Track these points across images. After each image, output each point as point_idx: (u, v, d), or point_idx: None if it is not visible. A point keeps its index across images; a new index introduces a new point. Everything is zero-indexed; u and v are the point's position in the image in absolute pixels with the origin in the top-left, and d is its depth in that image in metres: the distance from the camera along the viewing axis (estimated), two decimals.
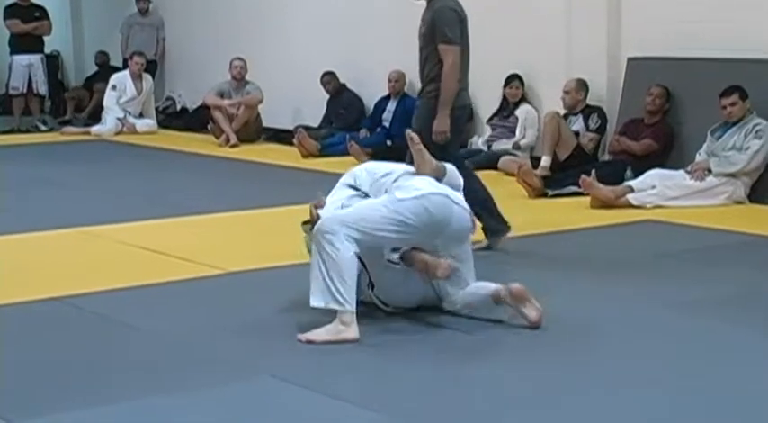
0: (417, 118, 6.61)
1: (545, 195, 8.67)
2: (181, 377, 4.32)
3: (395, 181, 5.08)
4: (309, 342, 4.71)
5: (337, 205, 5.13)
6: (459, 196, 5.13)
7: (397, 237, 4.94)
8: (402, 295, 5.12)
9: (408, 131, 5.39)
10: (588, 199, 8.29)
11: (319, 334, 4.76)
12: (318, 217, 5.00)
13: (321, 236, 4.82)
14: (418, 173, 5.15)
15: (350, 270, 4.79)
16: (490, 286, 5.06)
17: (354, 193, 5.19)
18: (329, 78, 12.10)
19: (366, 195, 5.16)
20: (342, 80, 12.11)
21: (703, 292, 5.66)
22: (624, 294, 5.62)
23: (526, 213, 7.95)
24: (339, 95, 12.08)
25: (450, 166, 5.29)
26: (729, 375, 4.32)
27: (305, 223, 5.34)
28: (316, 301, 4.82)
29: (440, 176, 5.19)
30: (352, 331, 4.76)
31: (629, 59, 9.68)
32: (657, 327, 5.03)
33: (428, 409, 3.95)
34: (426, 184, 5.05)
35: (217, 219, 7.87)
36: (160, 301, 5.55)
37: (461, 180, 5.31)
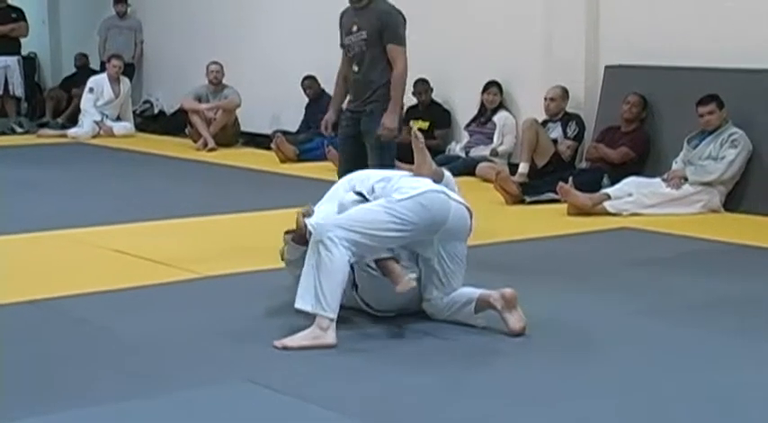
0: (371, 129, 6.63)
1: (522, 202, 8.71)
2: (157, 381, 4.32)
3: (393, 184, 5.13)
4: (285, 348, 4.71)
5: (334, 210, 5.15)
6: (456, 195, 5.17)
7: (397, 235, 4.96)
8: (387, 298, 5.14)
9: (414, 128, 5.46)
10: (565, 206, 8.33)
11: (295, 339, 4.76)
12: (306, 226, 5.01)
13: (319, 239, 4.83)
14: (417, 173, 5.22)
15: (341, 278, 4.81)
16: (476, 291, 5.08)
17: (357, 198, 5.20)
18: (310, 82, 12.11)
19: (367, 200, 5.18)
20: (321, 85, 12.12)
21: (679, 299, 5.70)
22: (600, 301, 5.65)
23: (503, 220, 7.99)
24: (318, 100, 12.07)
25: (447, 173, 5.38)
26: (708, 381, 4.35)
27: (287, 233, 5.35)
28: (302, 304, 4.82)
29: (437, 180, 5.24)
30: (330, 337, 4.77)
31: (607, 67, 9.74)
32: (634, 334, 5.06)
33: (405, 414, 3.97)
34: (423, 184, 5.10)
35: (194, 223, 7.87)
36: (137, 304, 5.55)
37: (456, 188, 5.36)
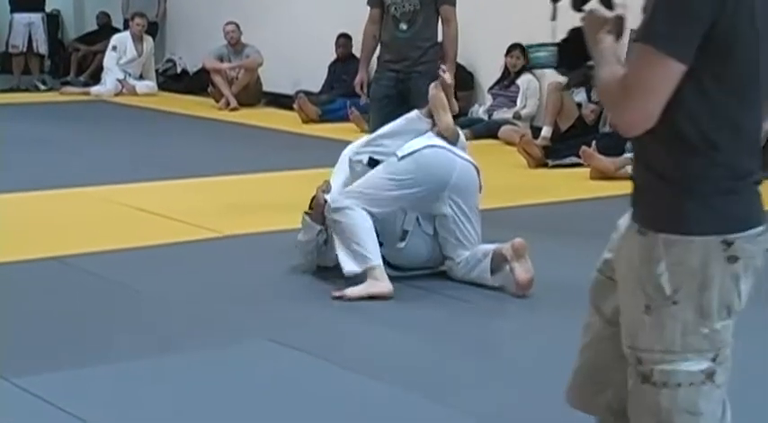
0: (423, 90, 6.60)
1: (545, 165, 8.66)
2: (177, 339, 4.33)
3: (395, 141, 5.16)
4: (343, 297, 4.78)
5: (342, 181, 5.23)
6: (462, 152, 5.16)
7: (402, 194, 5.03)
8: (408, 256, 5.16)
9: (442, 67, 5.43)
10: (588, 170, 8.28)
11: (354, 290, 4.84)
12: (325, 201, 5.07)
13: (333, 213, 4.97)
14: (436, 122, 5.17)
15: (366, 228, 4.92)
16: (491, 246, 5.09)
17: (367, 167, 5.20)
18: (345, 41, 12.00)
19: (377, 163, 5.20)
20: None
21: None
22: None
23: (525, 183, 7.96)
24: (346, 61, 12.01)
25: (461, 133, 5.35)
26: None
27: (307, 213, 5.34)
28: (350, 268, 4.89)
29: (451, 138, 5.21)
30: (385, 285, 4.85)
31: (632, 31, 9.62)
32: None
33: (428, 377, 3.97)
34: (423, 141, 5.10)
35: (215, 182, 7.86)
36: (158, 262, 5.56)
37: (466, 150, 5.34)
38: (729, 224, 2.15)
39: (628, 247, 2.26)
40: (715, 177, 2.15)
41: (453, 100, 5.38)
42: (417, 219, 5.14)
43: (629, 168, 8.17)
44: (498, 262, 5.04)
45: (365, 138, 5.47)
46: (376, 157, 5.18)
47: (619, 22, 2.18)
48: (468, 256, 5.10)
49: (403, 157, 5.05)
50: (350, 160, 5.31)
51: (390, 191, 5.01)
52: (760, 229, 2.18)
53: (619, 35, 2.19)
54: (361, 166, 5.21)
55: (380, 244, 5.13)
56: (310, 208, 5.31)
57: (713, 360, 2.20)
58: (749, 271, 2.19)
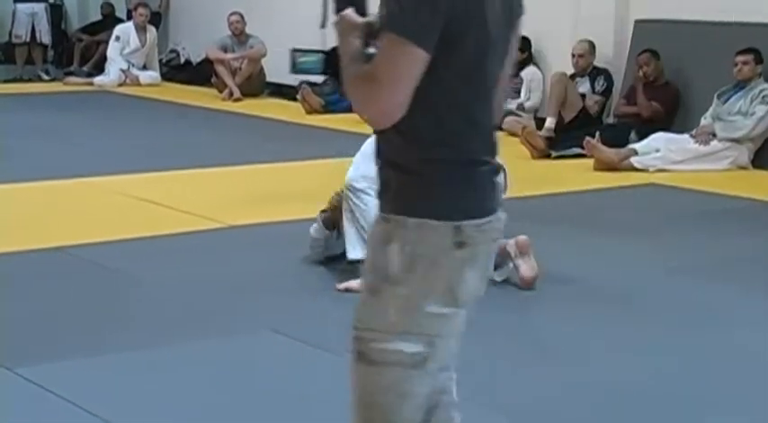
0: None
1: (548, 156, 8.65)
2: (181, 329, 4.32)
3: None
4: (348, 290, 4.76)
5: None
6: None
7: None
8: None
9: None
10: (592, 161, 8.27)
11: (358, 282, 4.78)
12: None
13: (349, 192, 4.91)
14: None
15: None
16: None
17: None
18: None
19: None
20: None
21: (705, 257, 5.66)
22: (625, 257, 5.62)
23: (529, 174, 7.94)
24: None
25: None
26: (735, 338, 4.33)
27: (322, 212, 5.33)
28: (354, 254, 4.87)
29: None
30: None
31: (637, 21, 9.62)
32: (660, 291, 5.04)
33: None
34: None
35: (219, 173, 7.85)
36: (162, 253, 5.55)
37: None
38: (460, 211, 2.21)
39: (370, 234, 2.34)
40: (448, 165, 2.22)
41: None
42: None
43: (632, 160, 8.19)
44: (501, 257, 5.02)
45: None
46: None
47: (369, 28, 2.22)
48: None
49: None
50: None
51: None
52: (489, 217, 2.25)
53: (369, 40, 2.24)
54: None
55: None
56: (326, 209, 5.29)
57: (428, 345, 2.23)
58: (477, 259, 2.25)
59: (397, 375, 2.24)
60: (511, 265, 4.99)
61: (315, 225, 5.28)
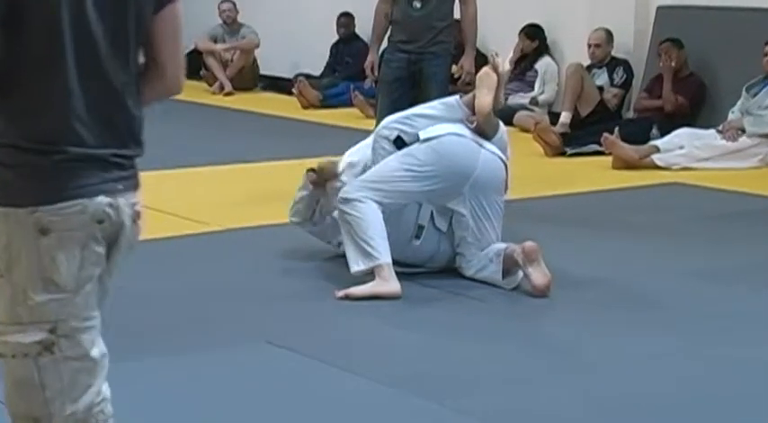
0: (436, 72, 6.60)
1: (563, 154, 8.66)
2: (167, 342, 4.33)
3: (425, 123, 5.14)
4: (347, 297, 4.80)
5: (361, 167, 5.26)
6: (491, 145, 5.13)
7: (420, 188, 5.02)
8: (419, 254, 5.19)
9: (492, 53, 5.38)
10: (610, 159, 8.28)
11: (359, 289, 4.86)
12: (336, 176, 5.18)
13: (342, 205, 4.97)
14: (476, 110, 5.10)
15: (377, 224, 4.92)
16: (503, 247, 5.08)
17: (391, 148, 5.17)
18: (347, 21, 12.00)
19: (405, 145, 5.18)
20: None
21: (733, 261, 5.68)
22: (646, 262, 5.63)
23: (543, 173, 7.96)
24: (349, 42, 12.00)
25: (503, 127, 5.27)
26: (762, 347, 4.34)
27: (310, 170, 5.41)
28: (356, 267, 4.92)
29: (487, 128, 5.13)
30: (393, 285, 4.85)
31: (660, 8, 9.64)
32: (686, 296, 5.06)
33: (439, 381, 3.97)
34: (450, 127, 5.07)
35: (209, 172, 7.87)
36: (146, 259, 5.49)
37: (507, 145, 5.28)
38: (35, 197, 2.33)
39: None
40: (21, 151, 2.32)
41: (501, 93, 5.31)
42: (432, 213, 5.14)
43: (654, 157, 8.20)
44: (510, 265, 5.04)
45: (399, 114, 5.34)
46: (404, 136, 5.13)
47: None
48: (481, 255, 5.11)
49: (425, 141, 5.02)
50: (376, 136, 5.24)
51: (405, 182, 5.00)
52: (73, 202, 2.36)
53: None
54: (388, 144, 5.15)
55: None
56: (313, 169, 5.38)
57: (51, 332, 2.38)
58: (68, 243, 2.37)
59: (25, 366, 2.38)
60: (520, 272, 5.01)
61: (300, 186, 5.41)
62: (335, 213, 5.21)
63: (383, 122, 5.33)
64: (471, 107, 5.14)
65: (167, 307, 4.77)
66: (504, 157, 5.16)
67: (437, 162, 5.00)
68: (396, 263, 5.03)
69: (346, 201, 4.98)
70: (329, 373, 4.02)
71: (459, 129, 5.11)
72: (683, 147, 8.27)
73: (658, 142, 8.37)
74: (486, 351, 4.31)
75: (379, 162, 5.13)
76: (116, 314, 4.63)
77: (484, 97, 5.08)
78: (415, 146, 5.05)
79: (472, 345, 4.38)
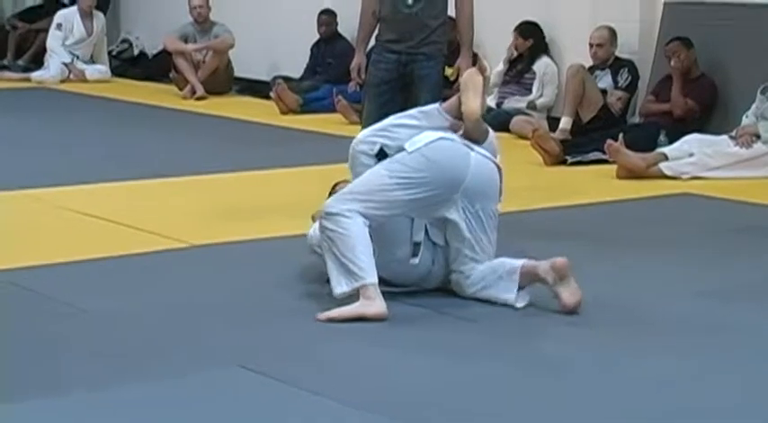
0: (429, 74, 6.59)
1: (564, 162, 8.67)
2: (135, 367, 4.31)
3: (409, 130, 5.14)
4: (329, 320, 4.78)
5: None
6: (485, 151, 5.14)
7: (407, 197, 5.01)
8: (406, 272, 5.18)
9: (481, 60, 5.38)
10: (614, 168, 8.28)
11: (342, 311, 4.85)
12: None
13: (324, 220, 4.96)
14: (464, 116, 5.09)
15: (363, 241, 4.91)
16: (518, 262, 5.09)
17: (372, 161, 5.16)
18: (328, 18, 12.00)
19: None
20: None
21: (750, 279, 5.68)
22: (653, 279, 5.62)
23: (541, 183, 7.96)
24: (331, 41, 12.00)
25: (492, 132, 5.27)
26: None
27: (337, 184, 5.41)
28: (339, 288, 4.91)
29: (476, 134, 5.13)
30: (379, 305, 4.83)
31: (667, 4, 9.66)
32: (699, 318, 5.05)
33: (427, 409, 3.96)
34: (435, 134, 5.08)
35: (180, 183, 7.85)
36: (112, 278, 5.54)
37: (497, 152, 5.28)
38: None
39: None
40: None
41: (486, 97, 5.33)
42: (426, 227, 5.14)
43: (662, 166, 8.21)
44: (526, 283, 5.05)
45: (374, 126, 5.35)
46: (387, 150, 5.12)
47: None
48: (485, 271, 5.10)
49: (413, 151, 5.02)
50: (353, 150, 5.23)
51: (394, 191, 4.98)
52: None
53: None
54: (368, 158, 5.14)
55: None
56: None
57: None
58: None
59: None
60: (527, 291, 5.03)
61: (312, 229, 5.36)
62: None
63: (359, 136, 5.30)
64: (455, 114, 5.14)
65: (132, 330, 4.75)
66: (497, 161, 5.17)
67: (427, 168, 4.99)
68: (385, 283, 5.02)
69: (329, 215, 4.96)
70: (307, 400, 4.00)
71: (447, 134, 5.11)
72: (692, 154, 8.28)
73: (666, 149, 8.37)
74: (477, 374, 4.29)
75: (361, 175, 5.12)
76: (82, 337, 4.63)
77: (471, 101, 5.07)
78: (402, 154, 5.05)
79: (463, 368, 4.36)
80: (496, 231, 5.19)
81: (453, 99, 5.20)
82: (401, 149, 5.08)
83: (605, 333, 4.82)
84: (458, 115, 5.14)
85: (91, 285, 5.40)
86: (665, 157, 8.29)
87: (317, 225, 5.26)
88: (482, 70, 5.19)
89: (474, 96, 5.08)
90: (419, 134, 5.09)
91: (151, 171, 8.08)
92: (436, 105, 5.27)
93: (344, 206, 4.96)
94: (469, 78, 5.15)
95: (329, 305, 4.90)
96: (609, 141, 8.33)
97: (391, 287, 5.10)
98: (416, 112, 5.24)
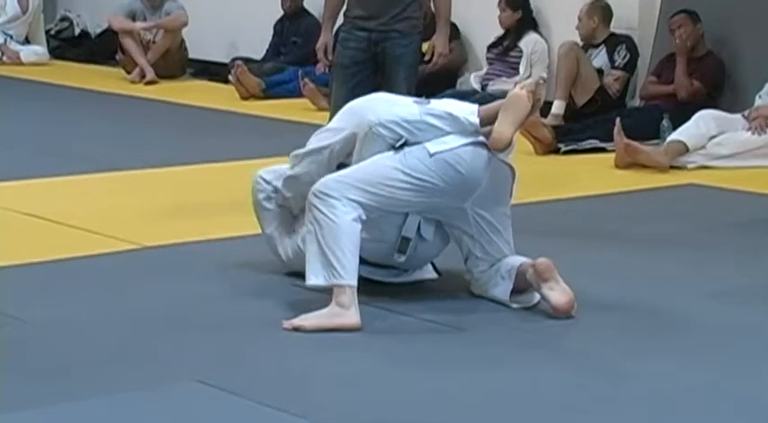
0: (403, 53, 6.60)
1: (557, 151, 8.69)
2: (81, 383, 4.31)
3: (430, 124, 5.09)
4: (297, 329, 4.78)
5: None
6: (501, 154, 5.17)
7: (417, 200, 5.04)
8: (379, 256, 5.23)
9: (543, 76, 5.33)
10: (612, 156, 8.29)
11: (309, 319, 4.84)
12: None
13: (317, 198, 4.94)
14: (494, 130, 5.06)
15: (350, 237, 4.90)
16: (517, 262, 5.15)
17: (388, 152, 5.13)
18: None
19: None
20: None
21: (759, 275, 5.71)
22: (660, 279, 5.65)
23: (533, 174, 7.94)
24: (295, 18, 11.98)
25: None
26: None
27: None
28: (315, 279, 4.91)
29: (502, 151, 5.11)
30: (352, 316, 4.84)
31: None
32: (710, 320, 5.09)
33: None
34: (461, 140, 5.06)
35: (129, 177, 7.84)
36: (53, 284, 5.53)
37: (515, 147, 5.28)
38: None
39: None
40: None
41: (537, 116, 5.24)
42: (419, 223, 5.15)
43: (687, 159, 8.12)
44: (523, 284, 5.11)
45: (397, 112, 5.17)
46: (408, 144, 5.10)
47: None
48: (492, 271, 5.18)
49: (435, 154, 5.00)
50: (370, 129, 5.13)
51: (402, 190, 5.00)
52: None
53: None
54: (382, 144, 5.10)
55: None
56: None
57: None
58: None
59: None
60: (535, 294, 5.10)
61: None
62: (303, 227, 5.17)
63: (377, 117, 5.14)
64: (487, 122, 5.07)
65: (80, 340, 4.74)
66: (512, 164, 5.19)
67: (446, 175, 5.01)
68: (361, 261, 5.00)
69: (322, 196, 4.94)
70: (273, 417, 4.00)
71: (472, 138, 5.07)
72: (714, 136, 8.23)
73: (683, 137, 8.27)
74: (459, 386, 4.30)
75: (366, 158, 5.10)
76: (20, 350, 4.61)
77: (506, 128, 5.00)
78: (423, 154, 5.02)
79: (446, 383, 4.36)
80: (510, 228, 5.24)
81: (493, 108, 5.10)
82: (422, 146, 5.05)
83: (610, 339, 4.83)
84: (490, 125, 5.07)
85: (30, 292, 5.38)
86: (686, 147, 8.22)
87: (280, 169, 5.34)
88: (533, 95, 5.09)
89: (510, 123, 5.01)
90: (443, 137, 5.08)
91: (96, 165, 8.06)
92: (470, 114, 5.13)
93: (344, 193, 4.94)
94: (515, 100, 5.05)
95: (296, 312, 4.91)
96: (626, 141, 8.20)
97: (364, 264, 5.10)
98: (446, 114, 5.13)
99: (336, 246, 4.89)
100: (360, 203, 4.96)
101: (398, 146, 5.08)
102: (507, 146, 5.07)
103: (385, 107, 5.21)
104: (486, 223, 5.16)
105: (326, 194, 4.95)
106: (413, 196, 5.03)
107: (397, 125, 5.11)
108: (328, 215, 4.92)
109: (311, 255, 4.93)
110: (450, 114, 5.12)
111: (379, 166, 5.05)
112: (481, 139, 5.07)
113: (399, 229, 5.15)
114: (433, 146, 5.04)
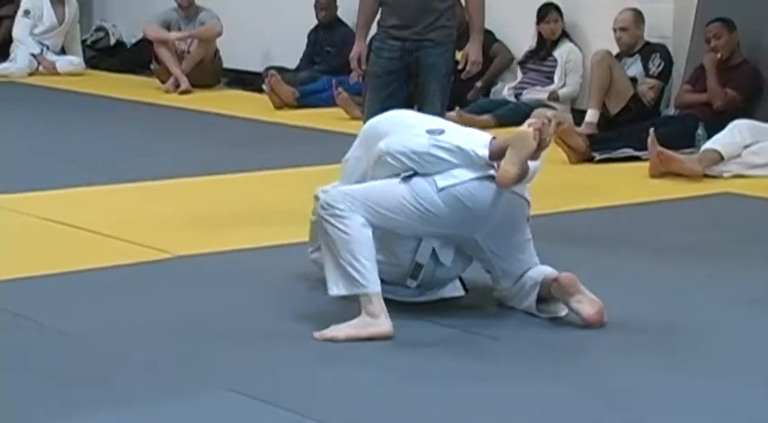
0: (437, 63, 6.59)
1: (591, 159, 8.66)
2: (115, 393, 4.31)
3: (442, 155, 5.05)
4: (329, 340, 4.79)
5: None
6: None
7: (425, 229, 5.04)
8: (401, 292, 5.20)
9: (552, 119, 5.25)
10: (647, 165, 8.26)
11: (342, 329, 4.85)
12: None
13: (327, 212, 4.94)
14: (500, 168, 5.03)
15: (364, 244, 4.90)
16: (541, 274, 5.13)
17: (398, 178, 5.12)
18: (327, 2, 12.01)
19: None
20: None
21: None
22: (695, 290, 5.63)
23: (566, 183, 7.95)
24: (330, 28, 12.00)
25: (534, 166, 5.08)
26: None
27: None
28: (335, 289, 4.92)
29: (509, 188, 5.06)
30: (383, 324, 4.84)
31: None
32: (749, 332, 5.06)
33: None
34: (470, 174, 5.03)
35: (162, 187, 7.85)
36: (85, 293, 5.53)
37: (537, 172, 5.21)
38: None
39: None
40: None
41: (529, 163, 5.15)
42: (434, 249, 5.12)
43: (723, 169, 8.07)
44: (546, 294, 5.11)
45: (405, 141, 5.14)
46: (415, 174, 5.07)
47: None
48: (516, 288, 5.19)
49: (444, 188, 4.98)
50: (378, 156, 5.15)
51: (410, 217, 4.99)
52: None
53: None
54: (391, 170, 5.09)
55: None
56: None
57: None
58: None
59: None
60: (560, 305, 5.10)
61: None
62: None
63: (386, 146, 5.14)
64: (496, 157, 5.03)
65: (115, 349, 4.75)
66: (527, 196, 5.15)
67: (453, 207, 4.98)
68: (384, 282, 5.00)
69: (331, 209, 4.95)
70: None
71: (483, 173, 5.04)
72: (749, 145, 8.20)
73: (718, 146, 8.24)
74: (502, 405, 4.28)
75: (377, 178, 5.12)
76: (55, 359, 4.62)
77: (510, 168, 4.95)
78: (432, 187, 5.00)
79: (486, 396, 4.35)
80: (532, 246, 5.21)
81: (502, 144, 5.04)
82: (430, 178, 5.03)
83: (644, 351, 4.80)
84: (500, 158, 5.03)
85: (64, 301, 5.38)
86: (720, 156, 8.19)
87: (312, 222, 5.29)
88: (539, 133, 4.98)
89: (515, 162, 4.95)
90: (452, 170, 5.05)
91: (131, 174, 8.07)
92: (485, 140, 5.10)
93: (348, 205, 4.94)
94: (522, 138, 5.01)
95: (326, 322, 4.89)
96: (659, 149, 8.16)
97: (385, 284, 5.05)
98: (455, 147, 5.09)
99: (352, 257, 4.88)
100: (366, 220, 4.95)
101: (406, 176, 5.06)
102: (512, 184, 5.01)
103: (396, 136, 5.20)
104: (504, 250, 5.15)
105: (333, 208, 4.94)
106: (419, 224, 5.02)
107: (405, 156, 5.09)
108: (339, 227, 4.91)
109: (329, 269, 4.95)
110: (460, 148, 5.07)
111: (389, 189, 5.04)
112: (491, 172, 5.04)
113: (413, 253, 5.13)
114: (441, 179, 5.01)
